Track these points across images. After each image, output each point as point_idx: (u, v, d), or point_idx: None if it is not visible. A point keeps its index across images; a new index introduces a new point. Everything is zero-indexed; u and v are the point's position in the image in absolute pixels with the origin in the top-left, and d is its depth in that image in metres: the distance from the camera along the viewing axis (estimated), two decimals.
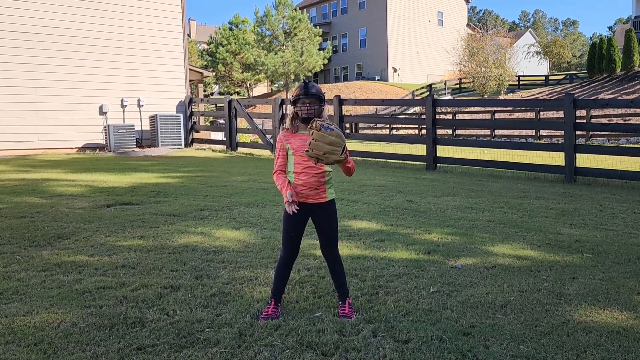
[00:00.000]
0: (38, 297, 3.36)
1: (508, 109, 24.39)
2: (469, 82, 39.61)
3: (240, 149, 14.70)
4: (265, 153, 13.92)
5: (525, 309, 3.26)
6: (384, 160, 11.86)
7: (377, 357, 2.62)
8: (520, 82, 41.46)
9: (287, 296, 3.39)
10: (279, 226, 5.19)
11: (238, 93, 48.30)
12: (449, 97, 40.01)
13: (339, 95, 12.48)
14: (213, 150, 14.70)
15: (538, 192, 7.83)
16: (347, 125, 23.60)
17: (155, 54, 14.93)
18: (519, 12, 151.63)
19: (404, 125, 27.67)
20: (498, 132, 22.56)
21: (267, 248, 4.55)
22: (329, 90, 38.87)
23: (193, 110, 15.72)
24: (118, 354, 2.63)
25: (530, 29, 69.38)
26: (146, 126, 14.88)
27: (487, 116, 24.43)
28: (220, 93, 48.49)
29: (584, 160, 9.55)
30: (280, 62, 39.93)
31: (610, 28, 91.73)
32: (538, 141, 20.07)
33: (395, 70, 48.15)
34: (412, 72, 48.93)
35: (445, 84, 41.98)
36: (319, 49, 43.62)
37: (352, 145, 15.93)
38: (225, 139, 14.91)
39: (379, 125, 28.98)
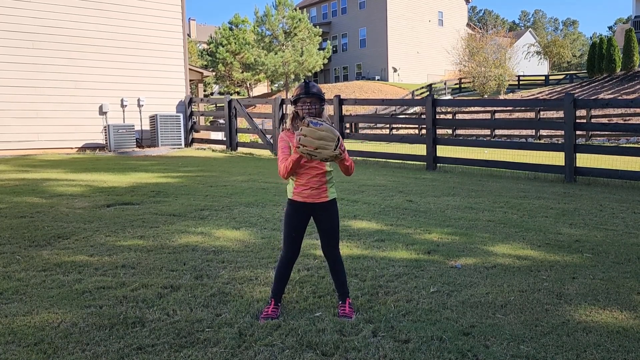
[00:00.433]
0: (38, 297, 3.36)
1: (508, 108, 24.39)
2: (469, 82, 39.61)
3: (240, 149, 14.70)
4: (265, 153, 13.92)
5: (525, 308, 3.26)
6: (384, 160, 11.87)
7: (377, 357, 2.62)
8: (520, 82, 41.46)
9: (287, 296, 3.39)
10: (279, 226, 5.19)
11: (238, 93, 48.30)
12: (449, 97, 40.00)
13: (339, 95, 12.48)
14: (213, 150, 14.70)
15: (538, 192, 7.83)
16: (347, 125, 23.59)
17: (156, 53, 14.93)
18: (519, 12, 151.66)
19: (404, 125, 27.67)
20: (498, 132, 22.56)
21: (267, 248, 4.55)
22: (329, 90, 38.86)
23: (193, 110, 15.72)
24: (118, 353, 2.63)
25: (530, 29, 69.38)
26: (146, 126, 14.88)
27: (487, 116, 24.43)
28: (220, 93, 48.48)
29: (584, 160, 9.55)
30: (280, 62, 39.93)
31: (610, 28, 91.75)
32: (538, 141, 20.07)
33: (395, 70, 48.15)
34: (412, 72, 48.92)
35: (445, 83, 41.98)
36: (319, 49, 43.62)
37: (352, 145, 15.94)
38: (225, 138, 14.91)
39: (379, 125, 28.98)
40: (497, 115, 23.19)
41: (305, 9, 50.93)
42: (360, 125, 28.09)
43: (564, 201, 7.04)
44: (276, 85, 50.12)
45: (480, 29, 50.08)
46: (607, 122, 20.82)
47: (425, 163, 10.86)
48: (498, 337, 2.85)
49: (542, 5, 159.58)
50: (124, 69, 14.40)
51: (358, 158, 12.00)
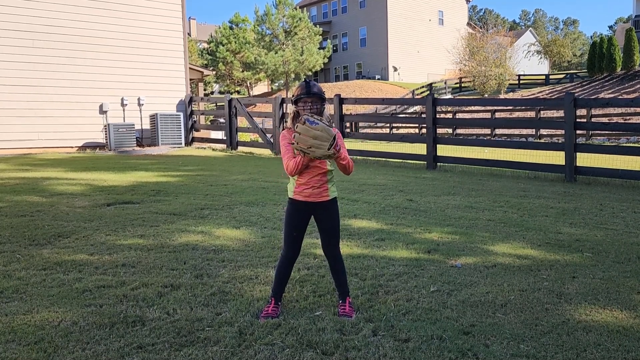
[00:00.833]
0: (38, 296, 3.36)
1: (508, 108, 24.38)
2: (470, 81, 39.60)
3: (240, 148, 14.70)
4: (266, 152, 13.91)
5: (525, 308, 3.26)
6: (384, 159, 11.86)
7: (377, 356, 2.62)
8: (521, 82, 41.44)
9: (287, 295, 3.39)
10: (279, 225, 5.19)
11: (238, 92, 48.29)
12: (449, 96, 39.99)
13: (339, 95, 12.48)
14: (213, 149, 14.69)
15: (538, 191, 7.83)
16: (347, 124, 23.58)
17: (156, 52, 14.93)
18: (520, 11, 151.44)
19: (404, 125, 27.67)
20: (498, 131, 22.55)
21: (267, 247, 4.55)
22: (329, 89, 38.85)
23: (193, 109, 15.72)
24: (118, 352, 2.63)
25: (530, 28, 69.34)
26: (146, 125, 14.88)
27: (488, 115, 24.42)
28: (220, 92, 48.47)
29: (584, 159, 9.55)
30: (280, 61, 39.91)
31: (610, 27, 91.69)
32: (538, 140, 20.07)
33: (395, 69, 48.14)
34: (412, 71, 48.90)
35: (445, 83, 41.97)
36: (319, 48, 43.61)
37: (352, 144, 15.94)
38: (225, 138, 14.91)
39: (379, 125, 28.97)
40: (497, 115, 23.18)
41: (305, 8, 50.92)
42: (361, 124, 28.08)
43: (564, 200, 7.04)
44: (276, 84, 50.12)
45: (481, 28, 50.06)
46: (608, 121, 20.82)
47: (425, 162, 10.86)
48: (498, 336, 2.85)
49: (542, 5, 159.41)
50: (124, 68, 14.40)
51: (358, 157, 12.00)
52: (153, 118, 14.54)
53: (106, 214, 5.76)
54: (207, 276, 3.78)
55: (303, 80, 3.21)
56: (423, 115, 15.60)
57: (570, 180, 8.93)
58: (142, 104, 14.73)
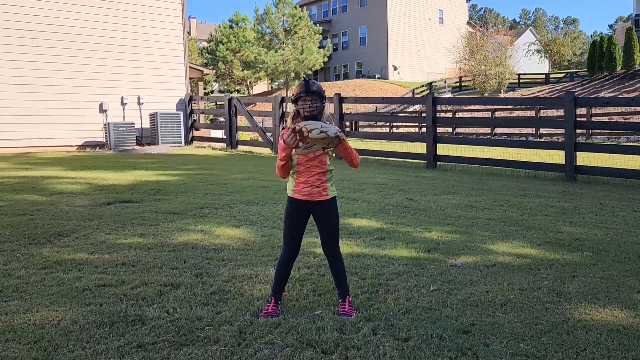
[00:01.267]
0: (38, 295, 3.36)
1: (508, 107, 24.37)
2: (470, 81, 39.60)
3: (240, 147, 14.70)
4: (266, 151, 13.91)
5: (525, 307, 3.26)
6: (384, 158, 11.86)
7: (377, 355, 2.62)
8: (521, 81, 41.43)
9: (287, 294, 3.39)
10: (279, 224, 5.19)
11: (238, 91, 48.28)
12: (449, 95, 39.97)
13: (339, 94, 12.48)
14: (213, 148, 14.69)
15: (538, 190, 7.82)
16: (347, 123, 23.52)
17: (156, 51, 14.92)
18: (520, 10, 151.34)
19: (404, 124, 27.66)
20: (498, 130, 22.55)
21: (267, 246, 4.55)
22: (329, 88, 38.84)
23: (193, 108, 15.71)
24: (118, 351, 2.63)
25: (530, 27, 69.30)
26: (146, 124, 14.87)
27: (488, 114, 24.42)
28: (220, 91, 48.45)
29: (584, 158, 9.54)
30: (280, 60, 39.89)
31: (610, 26, 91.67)
32: (538, 139, 20.06)
33: (395, 68, 48.12)
34: (412, 70, 48.89)
35: (445, 82, 41.96)
36: (319, 47, 43.60)
37: (352, 143, 15.82)
38: (225, 137, 14.90)
39: (379, 124, 28.95)
40: (497, 114, 23.17)
41: (305, 7, 50.91)
42: (361, 123, 28.05)
43: (564, 199, 7.04)
44: (276, 83, 50.09)
45: (481, 27, 50.03)
46: (608, 120, 20.81)
47: (425, 161, 10.86)
48: (498, 336, 2.85)
49: (542, 4, 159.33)
50: (124, 67, 14.39)
51: (358, 156, 11.97)
52: (153, 117, 14.53)
53: (106, 212, 5.76)
54: (207, 275, 3.78)
55: (302, 79, 3.20)
56: (423, 115, 15.59)
57: (570, 179, 8.93)
58: (142, 103, 14.72)
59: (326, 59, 43.80)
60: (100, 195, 6.76)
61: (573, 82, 36.38)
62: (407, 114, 31.38)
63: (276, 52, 40.21)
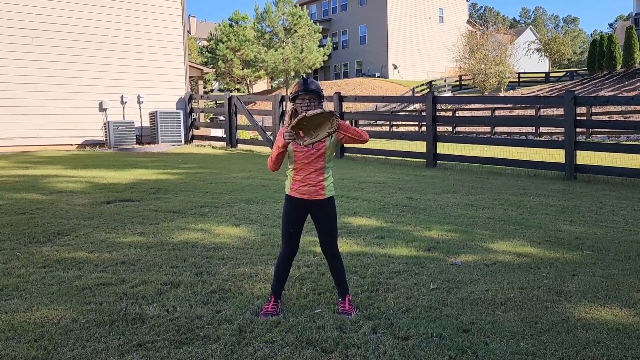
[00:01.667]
0: (38, 294, 3.36)
1: (508, 106, 24.36)
2: (470, 79, 39.60)
3: (240, 146, 14.70)
4: (266, 150, 13.90)
5: (525, 306, 3.26)
6: (384, 157, 11.87)
7: (376, 354, 2.62)
8: (521, 79, 41.42)
9: (287, 293, 3.39)
10: (279, 223, 5.18)
11: (238, 90, 48.23)
12: (449, 94, 39.96)
13: (339, 92, 12.47)
14: (213, 147, 14.69)
15: (538, 189, 7.82)
16: (347, 122, 23.57)
17: (156, 50, 14.91)
18: (520, 9, 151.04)
19: (404, 122, 27.65)
20: (498, 129, 22.54)
21: (267, 245, 4.55)
22: (329, 87, 38.84)
23: (193, 107, 15.70)
24: (118, 350, 2.63)
25: (530, 26, 69.27)
26: (146, 123, 14.87)
27: (488, 113, 24.40)
28: (220, 90, 48.42)
29: (584, 157, 9.54)
30: (280, 59, 39.87)
31: (610, 25, 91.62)
32: (538, 138, 20.06)
33: (395, 67, 48.09)
34: (412, 69, 48.86)
35: (445, 81, 41.95)
36: (319, 46, 43.56)
37: None
38: (225, 135, 14.89)
39: (379, 122, 28.95)
40: (497, 113, 23.16)
41: (305, 6, 50.88)
42: (361, 122, 28.07)
43: (564, 198, 7.04)
44: (276, 82, 50.07)
45: (481, 26, 50.01)
46: (608, 119, 20.79)
47: (425, 160, 10.85)
48: (498, 334, 2.85)
49: (542, 3, 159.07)
50: (124, 66, 14.38)
51: (358, 155, 12.00)
52: (153, 116, 14.53)
53: (106, 211, 5.76)
54: (206, 274, 3.78)
55: (301, 77, 3.20)
56: (423, 113, 15.59)
57: (570, 178, 8.93)
58: (142, 102, 14.72)
59: (326, 58, 43.79)
60: (100, 194, 6.76)
61: (573, 81, 36.37)
62: (407, 113, 31.34)
63: (276, 50, 40.19)
